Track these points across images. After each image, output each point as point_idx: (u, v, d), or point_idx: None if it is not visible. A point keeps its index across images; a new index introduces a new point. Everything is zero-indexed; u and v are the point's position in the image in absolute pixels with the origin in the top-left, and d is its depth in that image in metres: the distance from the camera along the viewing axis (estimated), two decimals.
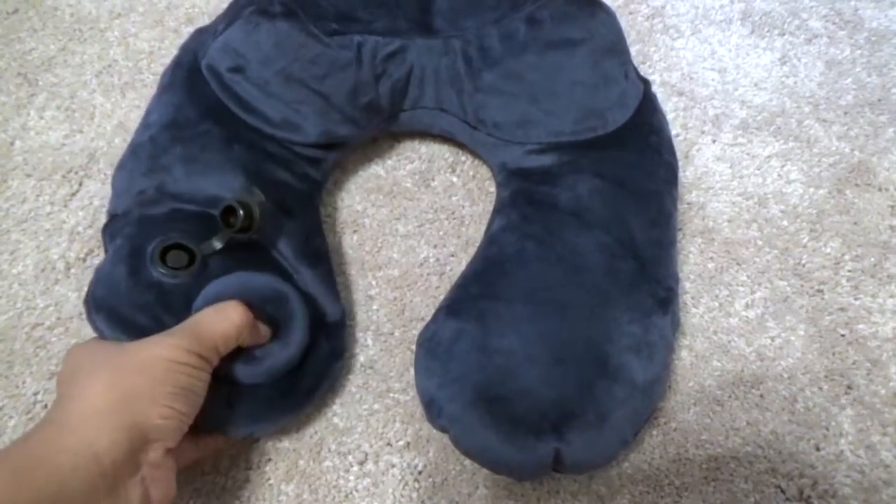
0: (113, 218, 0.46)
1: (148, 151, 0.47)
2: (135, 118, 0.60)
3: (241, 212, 0.43)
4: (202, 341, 0.37)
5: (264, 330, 0.41)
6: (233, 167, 0.47)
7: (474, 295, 0.45)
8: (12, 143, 0.59)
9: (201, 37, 0.53)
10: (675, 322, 0.46)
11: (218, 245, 0.43)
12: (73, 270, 0.52)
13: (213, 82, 0.50)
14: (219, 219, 0.43)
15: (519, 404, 0.40)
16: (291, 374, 0.43)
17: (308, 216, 0.50)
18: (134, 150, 0.48)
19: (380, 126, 0.55)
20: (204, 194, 0.46)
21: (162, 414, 0.35)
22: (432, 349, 0.44)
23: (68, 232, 0.54)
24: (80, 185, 0.57)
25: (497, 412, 0.40)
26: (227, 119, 0.49)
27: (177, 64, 0.52)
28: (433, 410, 0.42)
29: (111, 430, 0.33)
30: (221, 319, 0.38)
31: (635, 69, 0.55)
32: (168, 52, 0.65)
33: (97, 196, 0.56)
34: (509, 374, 0.41)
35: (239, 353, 0.40)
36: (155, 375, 0.35)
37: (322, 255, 0.49)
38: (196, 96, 0.50)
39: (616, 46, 0.52)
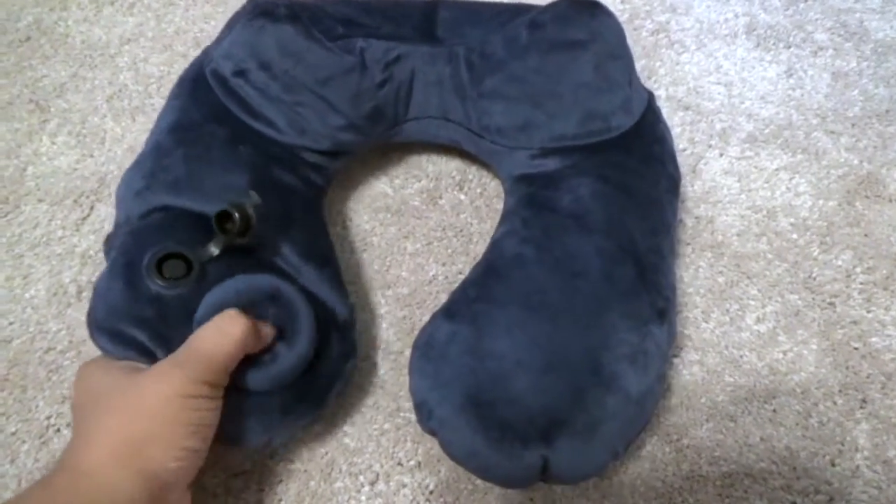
0: (115, 228, 0.45)
1: (153, 155, 0.47)
2: (144, 142, 0.61)
3: (237, 216, 0.40)
4: (210, 367, 0.36)
5: (268, 330, 0.39)
6: (239, 166, 0.46)
7: (471, 298, 0.45)
8: (25, 169, 0.59)
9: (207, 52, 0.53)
10: (671, 333, 0.46)
11: (215, 251, 0.42)
12: (84, 294, 0.53)
13: (218, 88, 0.50)
14: (214, 224, 0.41)
15: (507, 410, 0.40)
16: (303, 377, 0.41)
17: (313, 218, 0.50)
18: (139, 158, 0.48)
19: (384, 135, 0.55)
20: (208, 192, 0.45)
21: (178, 457, 0.34)
22: (427, 351, 0.43)
23: (80, 256, 0.54)
24: (92, 209, 0.57)
25: (485, 417, 0.39)
26: (231, 121, 0.49)
27: (184, 76, 0.53)
28: (424, 412, 0.42)
29: (128, 478, 0.33)
30: (222, 337, 0.36)
31: (639, 80, 0.55)
32: (177, 76, 0.65)
33: (108, 220, 0.56)
34: (500, 378, 0.41)
35: (246, 360, 0.38)
36: (168, 417, 0.34)
37: (328, 256, 0.48)
38: (201, 100, 0.50)
39: (619, 51, 0.52)
